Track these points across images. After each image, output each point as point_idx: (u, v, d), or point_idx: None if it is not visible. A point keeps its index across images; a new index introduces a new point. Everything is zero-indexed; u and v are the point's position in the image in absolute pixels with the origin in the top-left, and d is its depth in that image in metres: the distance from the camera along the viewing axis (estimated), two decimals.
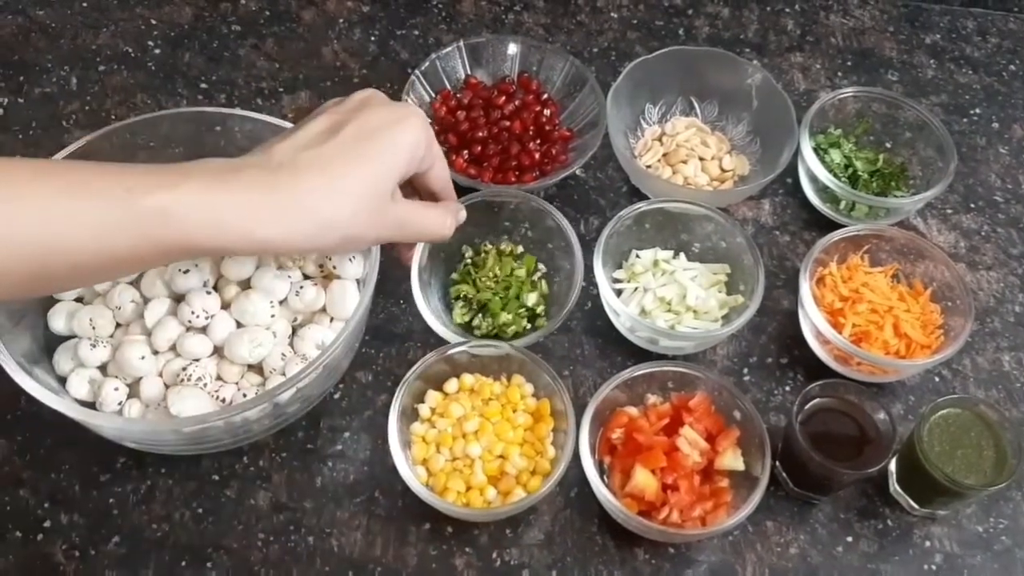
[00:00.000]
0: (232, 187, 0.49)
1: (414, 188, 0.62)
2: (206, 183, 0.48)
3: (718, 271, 0.76)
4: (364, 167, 0.52)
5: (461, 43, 0.86)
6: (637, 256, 0.77)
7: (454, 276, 0.75)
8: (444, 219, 0.61)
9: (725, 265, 0.76)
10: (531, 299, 0.74)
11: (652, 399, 0.68)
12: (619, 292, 0.75)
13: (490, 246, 0.76)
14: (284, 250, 0.58)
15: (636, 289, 0.75)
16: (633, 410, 0.67)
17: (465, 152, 0.81)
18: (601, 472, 0.65)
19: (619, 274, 0.76)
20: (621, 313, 0.70)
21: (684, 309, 0.73)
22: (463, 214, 0.65)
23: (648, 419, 0.66)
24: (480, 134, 0.81)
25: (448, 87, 0.85)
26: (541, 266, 0.76)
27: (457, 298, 0.73)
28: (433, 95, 0.85)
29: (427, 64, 0.84)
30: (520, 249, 0.77)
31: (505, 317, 0.72)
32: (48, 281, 0.49)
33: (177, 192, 0.47)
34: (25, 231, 0.44)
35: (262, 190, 0.49)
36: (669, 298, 0.73)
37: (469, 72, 0.87)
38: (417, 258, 0.70)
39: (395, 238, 0.58)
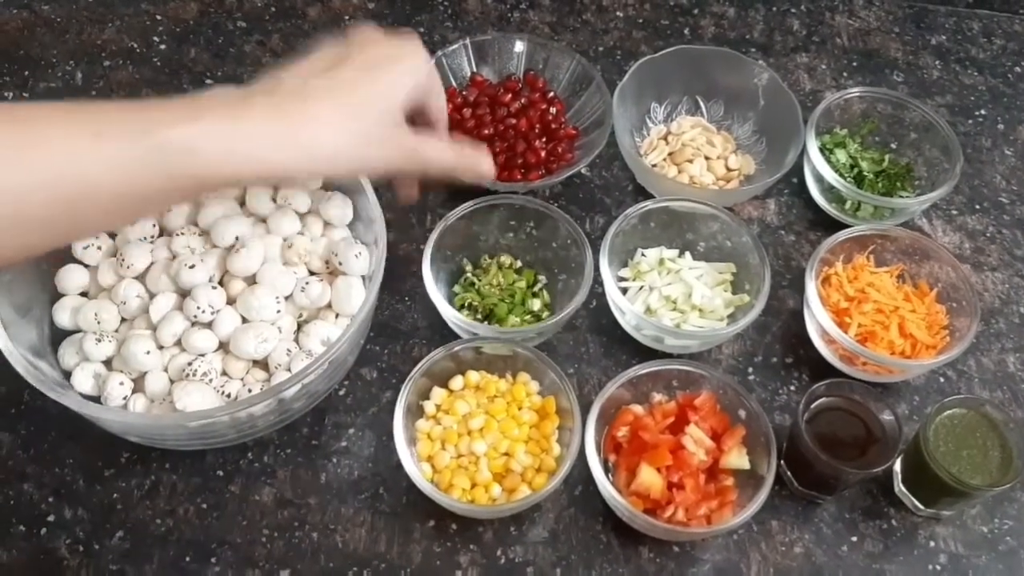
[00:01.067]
0: (246, 118, 0.49)
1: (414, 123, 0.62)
2: (222, 115, 0.48)
3: (724, 270, 0.76)
4: (370, 93, 0.53)
5: (467, 41, 0.85)
6: (643, 255, 0.77)
7: (455, 289, 0.75)
8: (449, 150, 0.60)
9: (731, 264, 0.76)
10: (535, 305, 0.74)
11: (657, 397, 0.68)
12: (624, 291, 0.75)
13: (490, 259, 0.76)
14: (300, 175, 0.60)
15: (641, 288, 0.75)
16: (638, 408, 0.67)
17: None
18: (606, 470, 0.65)
19: (624, 273, 0.76)
20: (627, 311, 0.70)
21: (689, 308, 0.73)
22: (478, 159, 0.62)
23: (653, 417, 0.66)
24: (486, 132, 0.81)
25: (454, 85, 0.85)
26: (541, 278, 0.76)
27: (462, 307, 0.73)
28: None
29: (433, 62, 0.83)
30: (519, 263, 0.77)
31: (513, 320, 0.72)
32: (76, 223, 0.48)
33: (198, 126, 0.47)
34: (54, 173, 0.44)
35: (274, 119, 0.50)
36: (674, 297, 0.73)
37: (475, 70, 0.86)
38: (430, 246, 0.70)
39: (404, 165, 0.58)
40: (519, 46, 0.86)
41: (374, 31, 0.57)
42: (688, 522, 0.62)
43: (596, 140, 0.80)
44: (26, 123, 0.45)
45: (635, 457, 0.64)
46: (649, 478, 0.62)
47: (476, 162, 0.61)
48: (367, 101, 0.53)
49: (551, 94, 0.85)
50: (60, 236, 0.51)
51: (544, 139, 0.82)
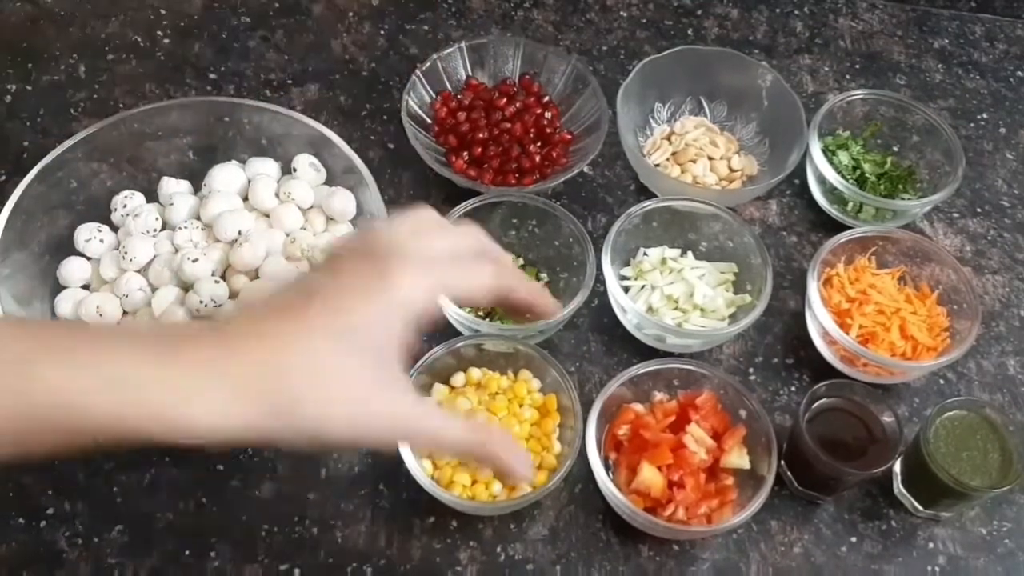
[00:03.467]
0: (156, 362, 0.40)
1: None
2: (125, 356, 0.40)
3: (725, 270, 0.76)
4: (332, 344, 0.41)
5: (463, 44, 0.85)
6: (645, 254, 0.77)
7: None
8: (466, 431, 0.47)
9: (732, 264, 0.76)
10: None
11: (659, 396, 0.68)
12: (626, 289, 0.75)
13: None
14: (207, 436, 0.40)
15: (643, 287, 0.75)
16: (639, 407, 0.67)
17: (465, 154, 0.81)
18: (607, 468, 0.65)
19: (626, 272, 0.76)
20: (628, 310, 0.70)
21: (691, 307, 0.73)
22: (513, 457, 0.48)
23: (655, 416, 0.66)
24: (480, 136, 0.81)
25: (449, 88, 0.85)
26: (543, 276, 0.76)
27: (462, 305, 0.73)
28: (434, 95, 0.84)
29: (428, 64, 0.83)
30: (521, 261, 0.77)
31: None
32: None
33: (74, 362, 0.39)
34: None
35: (196, 368, 0.40)
36: (676, 296, 0.73)
37: (470, 73, 0.86)
38: None
39: (379, 440, 0.45)
40: (515, 50, 0.86)
41: (374, 240, 0.45)
42: (688, 521, 0.62)
43: (591, 145, 0.80)
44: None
45: (636, 455, 0.64)
46: (650, 476, 0.62)
47: (509, 459, 0.47)
48: (322, 355, 0.41)
49: (546, 98, 0.85)
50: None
51: (539, 144, 0.82)
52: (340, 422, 0.41)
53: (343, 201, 0.71)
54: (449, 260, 0.46)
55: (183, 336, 0.42)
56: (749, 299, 0.73)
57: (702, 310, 0.74)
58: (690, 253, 0.77)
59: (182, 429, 0.39)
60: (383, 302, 0.42)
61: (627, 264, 0.77)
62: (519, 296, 0.49)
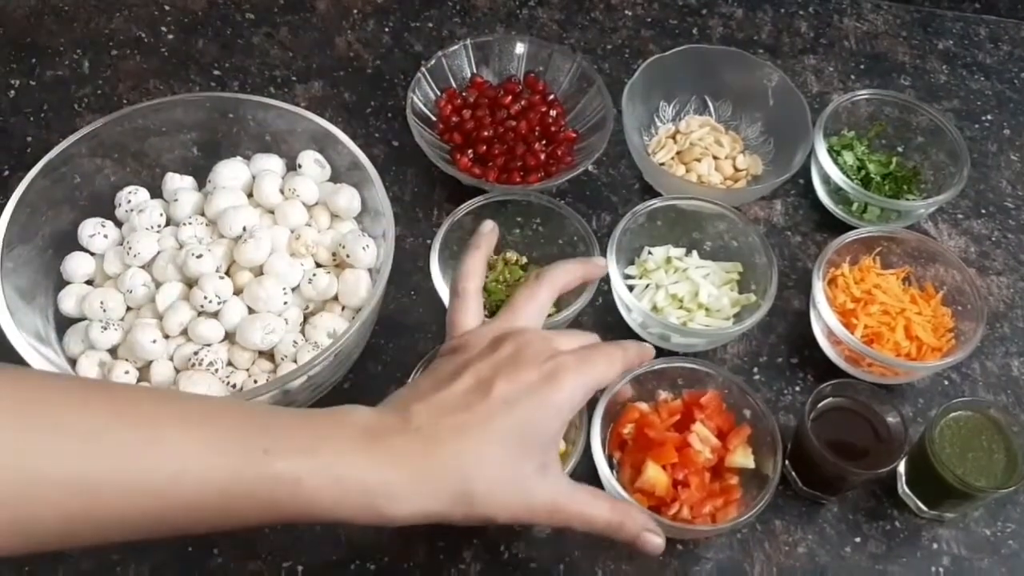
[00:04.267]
0: (368, 458, 0.45)
1: None
2: (342, 451, 0.45)
3: (730, 269, 0.76)
4: (506, 438, 0.48)
5: (468, 41, 0.85)
6: (649, 253, 0.77)
7: None
8: (610, 510, 0.52)
9: (737, 264, 0.76)
10: None
11: (663, 395, 0.68)
12: (631, 288, 0.75)
13: (496, 256, 0.76)
14: (406, 523, 0.48)
15: (648, 286, 0.75)
16: (644, 406, 0.67)
17: (470, 151, 0.80)
18: (611, 467, 0.65)
19: (631, 270, 0.76)
20: (633, 309, 0.70)
21: (696, 307, 0.73)
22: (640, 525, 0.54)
23: (659, 415, 0.66)
24: (485, 133, 0.81)
25: (454, 86, 0.85)
26: None
27: None
28: (439, 93, 0.84)
29: (433, 61, 0.83)
30: (525, 259, 0.76)
31: None
32: (163, 530, 0.44)
33: (313, 460, 0.44)
34: (160, 483, 0.42)
35: (398, 463, 0.46)
36: (681, 295, 0.73)
37: (475, 71, 0.86)
38: (438, 241, 0.70)
39: (539, 523, 0.52)
40: (520, 48, 0.86)
41: (529, 340, 0.52)
42: (692, 520, 0.62)
43: (596, 143, 0.80)
44: (146, 421, 0.43)
45: (640, 454, 0.64)
46: (654, 475, 0.62)
47: (642, 543, 0.53)
48: (503, 448, 0.48)
49: (551, 96, 0.85)
50: (135, 535, 0.45)
51: (544, 142, 0.82)
52: (507, 512, 0.48)
53: (347, 198, 0.71)
54: (593, 357, 0.53)
55: (388, 434, 0.47)
56: (754, 299, 0.73)
57: (707, 309, 0.73)
58: (695, 252, 0.77)
59: (386, 519, 0.46)
60: (552, 405, 0.49)
61: (632, 263, 0.77)
62: (637, 364, 0.60)
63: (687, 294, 0.74)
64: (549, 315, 0.70)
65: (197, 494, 0.42)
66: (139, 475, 0.41)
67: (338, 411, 0.48)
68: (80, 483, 0.40)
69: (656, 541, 0.53)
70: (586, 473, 0.66)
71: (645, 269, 0.75)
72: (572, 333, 0.57)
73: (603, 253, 0.71)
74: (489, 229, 0.63)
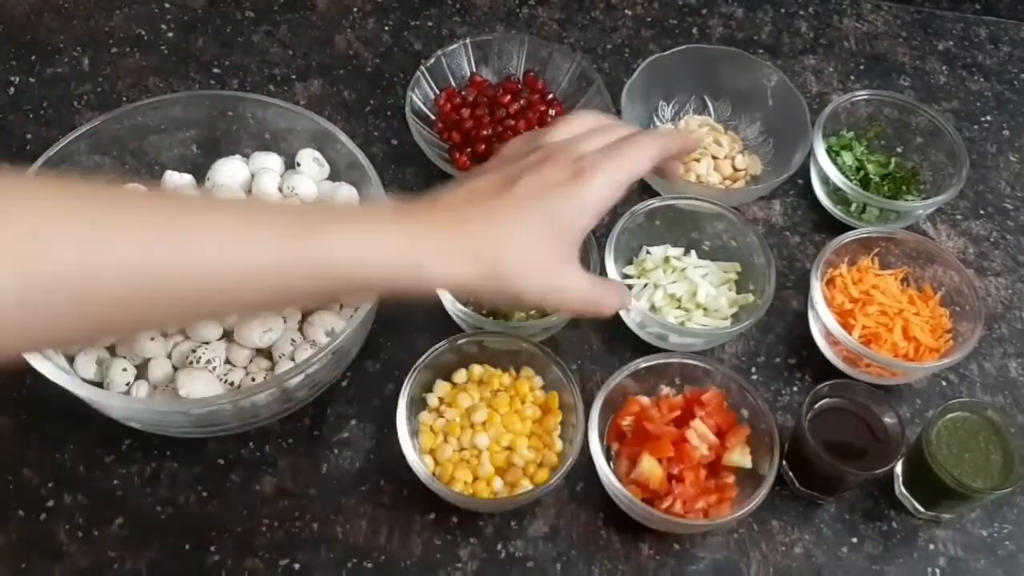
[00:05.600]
0: (404, 230, 0.48)
1: None
2: (379, 229, 0.47)
3: (728, 269, 0.76)
4: (534, 224, 0.50)
5: (467, 40, 0.85)
6: (648, 252, 0.77)
7: None
8: (620, 298, 0.57)
9: (736, 264, 0.76)
10: None
11: (665, 391, 0.68)
12: (629, 288, 0.75)
13: None
14: (443, 287, 0.55)
15: (646, 285, 0.75)
16: (645, 399, 0.67)
17: (469, 150, 0.80)
18: (608, 458, 0.65)
19: (629, 270, 0.76)
20: (631, 308, 0.70)
21: (694, 306, 0.73)
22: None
23: (659, 409, 0.66)
24: (484, 132, 0.81)
25: (453, 84, 0.85)
26: None
27: (467, 303, 0.73)
28: (438, 91, 0.84)
29: (433, 60, 0.83)
30: None
31: (519, 315, 0.71)
32: (219, 309, 0.48)
33: (347, 232, 0.46)
34: (211, 259, 0.43)
35: (432, 234, 0.48)
36: (679, 295, 0.73)
37: (474, 70, 0.86)
38: None
39: (561, 307, 0.55)
40: (519, 47, 0.86)
41: (564, 143, 0.53)
42: (685, 515, 0.62)
43: None
44: (199, 208, 0.45)
45: (638, 447, 0.64)
46: (649, 468, 0.62)
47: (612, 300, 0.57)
48: (528, 233, 0.50)
49: (550, 96, 0.85)
50: (192, 317, 0.51)
51: None
52: (535, 289, 0.51)
53: (346, 196, 0.71)
54: (622, 151, 0.53)
55: (422, 211, 0.50)
56: (752, 299, 0.73)
57: (705, 309, 0.74)
58: (693, 252, 0.77)
59: (423, 283, 0.48)
60: (580, 199, 0.51)
61: (630, 263, 0.77)
62: (674, 157, 0.58)
63: (685, 294, 0.74)
64: (544, 315, 0.71)
65: (246, 272, 0.44)
66: (195, 255, 0.43)
67: (370, 204, 0.52)
68: (144, 266, 0.42)
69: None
70: (583, 472, 0.66)
71: (643, 268, 0.76)
72: (603, 129, 0.56)
73: (601, 253, 0.71)
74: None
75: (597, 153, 0.52)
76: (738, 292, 0.75)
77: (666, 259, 0.76)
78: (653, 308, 0.73)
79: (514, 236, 0.49)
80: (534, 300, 0.52)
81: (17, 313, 0.39)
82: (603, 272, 0.71)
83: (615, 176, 0.52)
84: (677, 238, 0.77)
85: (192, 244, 0.43)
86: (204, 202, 0.47)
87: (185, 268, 0.43)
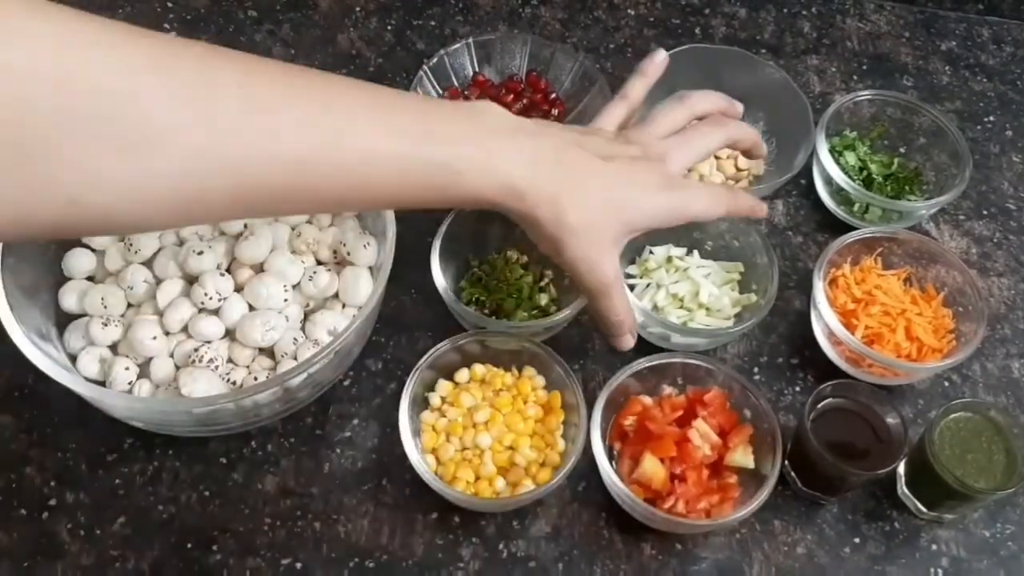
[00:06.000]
0: (512, 152, 0.51)
1: None
2: (493, 146, 0.51)
3: (731, 269, 0.76)
4: (611, 200, 0.55)
5: (470, 40, 0.85)
6: (651, 252, 0.77)
7: (462, 284, 0.75)
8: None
9: (738, 263, 0.76)
10: (543, 299, 0.74)
11: (668, 391, 0.68)
12: (632, 288, 0.75)
13: (497, 254, 0.76)
14: (524, 221, 0.55)
15: (648, 285, 0.75)
16: (648, 399, 0.67)
17: None
18: (610, 457, 0.65)
19: (632, 270, 0.76)
20: (634, 308, 0.70)
21: (696, 306, 0.73)
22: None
23: (662, 409, 0.66)
24: None
25: (456, 84, 0.85)
26: (548, 273, 0.76)
27: (469, 302, 0.73)
28: (441, 91, 0.84)
29: (435, 60, 0.83)
30: (525, 258, 0.76)
31: (521, 315, 0.71)
32: (348, 203, 0.55)
33: (470, 150, 0.50)
34: (351, 162, 0.46)
35: (532, 171, 0.52)
36: (682, 295, 0.73)
37: (477, 69, 0.86)
38: (439, 239, 0.70)
39: (584, 282, 0.57)
40: (522, 46, 0.86)
41: (679, 153, 0.59)
42: (687, 515, 0.62)
43: None
44: (345, 107, 0.46)
45: (640, 446, 0.64)
46: (651, 467, 0.62)
47: (623, 337, 0.63)
48: (613, 213, 0.55)
49: (553, 95, 0.85)
50: (326, 208, 0.57)
51: None
52: (575, 251, 0.55)
53: None
54: (712, 187, 0.62)
55: (531, 140, 0.53)
56: (755, 298, 0.73)
57: (707, 309, 0.74)
58: (696, 252, 0.77)
59: (514, 212, 0.53)
60: (658, 206, 0.57)
61: (633, 263, 0.77)
62: (744, 145, 0.64)
63: (688, 294, 0.74)
64: (548, 315, 0.70)
65: (381, 173, 0.47)
66: (340, 155, 0.46)
67: (480, 107, 0.53)
68: (295, 161, 0.44)
69: (626, 342, 0.62)
70: (585, 472, 0.66)
71: (646, 268, 0.75)
72: (670, 110, 0.62)
73: None
74: (661, 59, 0.67)
75: (687, 177, 0.60)
76: (741, 292, 0.75)
77: (669, 259, 0.76)
78: (655, 308, 0.73)
79: (590, 198, 0.53)
80: (569, 259, 0.55)
81: (178, 197, 0.41)
82: None
83: (691, 203, 0.58)
84: (680, 238, 0.77)
85: (347, 137, 0.45)
86: (344, 87, 0.48)
87: (339, 161, 0.45)
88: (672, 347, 0.73)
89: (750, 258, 0.75)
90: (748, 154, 0.66)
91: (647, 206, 0.56)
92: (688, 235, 0.77)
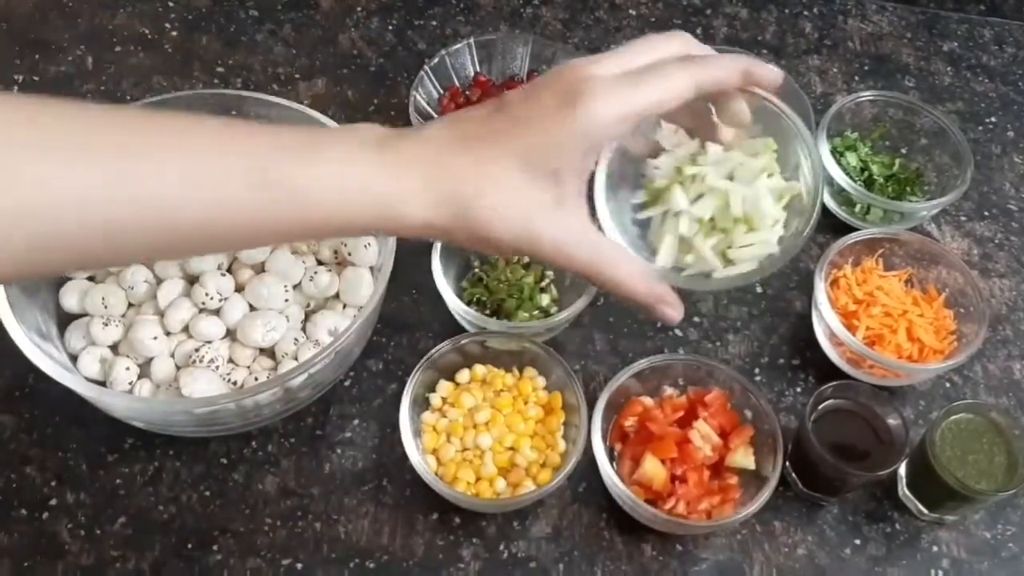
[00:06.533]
0: (374, 163, 0.42)
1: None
2: (346, 158, 0.42)
3: (763, 149, 0.52)
4: (512, 159, 0.43)
5: (471, 40, 0.85)
6: (656, 168, 0.52)
7: (463, 284, 0.75)
8: (643, 282, 0.47)
9: (768, 140, 0.52)
10: (544, 300, 0.73)
11: (669, 391, 0.68)
12: (646, 225, 0.52)
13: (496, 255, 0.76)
14: (413, 233, 0.46)
15: (666, 215, 0.51)
16: (649, 400, 0.67)
17: None
18: (611, 458, 0.65)
19: (638, 199, 0.53)
20: (651, 270, 0.50)
21: (732, 223, 0.51)
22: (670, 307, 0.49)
23: (663, 410, 0.66)
24: None
25: (457, 84, 0.85)
26: (548, 273, 0.76)
27: (470, 303, 0.73)
28: (442, 91, 0.84)
29: (436, 60, 0.83)
30: (526, 258, 0.76)
31: (522, 315, 0.71)
32: (175, 247, 0.44)
33: (311, 166, 0.41)
34: (165, 196, 0.40)
35: (403, 168, 0.43)
36: (708, 217, 0.51)
37: (478, 69, 0.86)
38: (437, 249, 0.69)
39: (550, 261, 0.46)
40: (523, 46, 0.86)
41: (569, 64, 0.44)
42: (688, 516, 0.62)
43: None
44: (162, 131, 0.41)
45: (641, 447, 0.64)
46: (652, 468, 0.62)
47: (664, 312, 0.49)
48: (503, 164, 0.43)
49: None
50: (153, 256, 0.47)
51: None
52: (509, 240, 0.44)
53: None
54: (641, 77, 0.44)
55: (398, 140, 0.44)
56: (799, 187, 0.51)
57: (747, 221, 0.50)
58: (709, 145, 0.52)
59: (392, 225, 0.43)
60: (565, 128, 0.43)
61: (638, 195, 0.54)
62: (728, 83, 0.47)
63: (717, 209, 0.50)
64: (549, 315, 0.70)
65: (213, 210, 0.41)
66: (158, 191, 0.40)
67: (349, 126, 0.46)
68: (105, 203, 0.39)
69: (671, 314, 0.49)
70: (585, 473, 0.66)
71: (655, 190, 0.52)
72: (658, 42, 0.46)
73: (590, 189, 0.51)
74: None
75: (607, 76, 0.43)
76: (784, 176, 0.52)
77: (678, 169, 0.51)
78: (684, 245, 0.52)
79: (487, 175, 0.43)
80: (509, 249, 0.44)
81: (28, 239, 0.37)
82: (592, 214, 0.49)
83: (620, 104, 0.43)
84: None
85: (154, 179, 0.39)
86: (173, 125, 0.41)
87: (147, 205, 0.39)
88: (717, 286, 0.57)
89: (777, 128, 0.52)
90: (761, 87, 0.48)
91: (561, 138, 0.43)
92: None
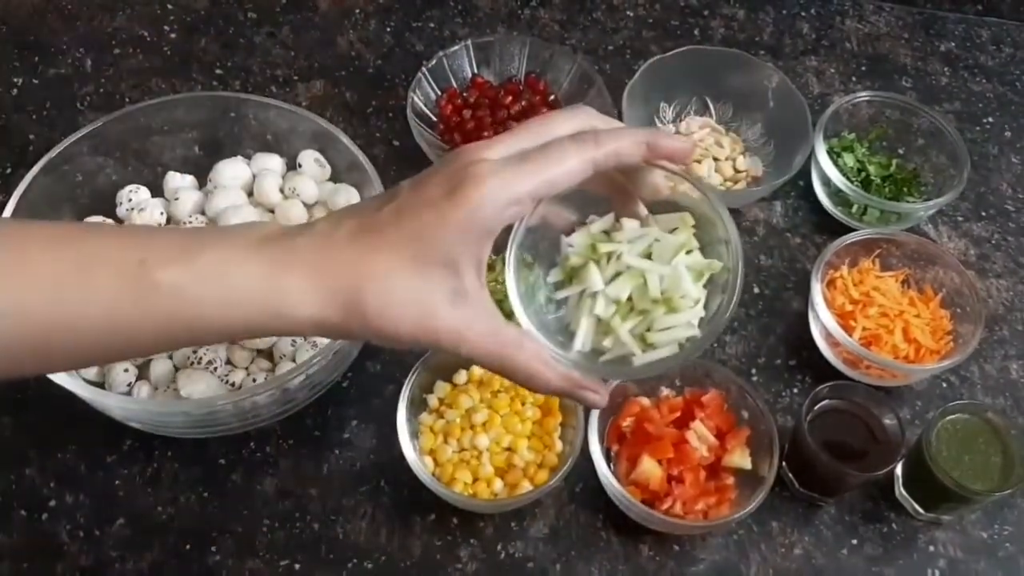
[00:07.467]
0: (257, 261, 0.41)
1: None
2: (228, 257, 0.41)
3: (680, 224, 0.48)
4: (398, 253, 0.41)
5: (469, 42, 0.85)
6: (569, 246, 0.48)
7: None
8: (552, 372, 0.45)
9: (684, 214, 0.47)
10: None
11: (665, 392, 0.68)
12: (555, 305, 0.49)
13: (495, 256, 0.76)
14: (305, 331, 0.45)
15: (582, 296, 0.48)
16: (646, 400, 0.67)
17: None
18: (608, 459, 0.65)
19: (553, 277, 0.49)
20: (561, 356, 0.46)
21: (650, 304, 0.47)
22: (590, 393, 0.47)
23: (660, 411, 0.66)
24: (485, 134, 0.81)
25: (455, 86, 0.85)
26: None
27: None
28: (439, 93, 0.84)
29: (434, 61, 0.84)
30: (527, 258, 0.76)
31: None
32: (52, 358, 0.43)
33: (192, 266, 0.40)
34: (34, 305, 0.39)
35: (290, 265, 0.41)
36: (626, 298, 0.47)
37: (476, 71, 0.86)
38: None
39: (447, 351, 0.43)
40: (521, 48, 0.86)
41: (457, 151, 0.43)
42: (684, 516, 0.62)
43: None
44: (11, 245, 0.40)
45: (638, 448, 0.64)
46: (649, 469, 0.63)
47: (586, 397, 0.47)
48: (390, 259, 0.41)
49: (552, 97, 0.85)
50: (38, 369, 0.45)
51: None
52: (407, 331, 0.42)
53: (347, 198, 0.71)
54: (530, 157, 0.42)
55: (285, 237, 0.42)
56: (719, 265, 0.46)
57: (666, 302, 0.46)
58: (624, 221, 0.48)
59: (281, 323, 0.41)
60: (450, 217, 0.41)
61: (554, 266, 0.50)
62: (630, 158, 0.43)
63: (635, 288, 0.47)
64: None
65: (79, 316, 0.40)
66: (20, 304, 0.39)
67: (238, 224, 0.45)
68: None
69: (593, 398, 0.47)
70: (583, 474, 0.67)
71: (570, 268, 0.48)
72: (535, 128, 0.44)
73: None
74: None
75: (495, 160, 0.42)
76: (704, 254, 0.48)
77: (592, 246, 0.47)
78: (602, 328, 0.48)
79: (375, 267, 0.41)
80: (408, 341, 0.42)
81: None
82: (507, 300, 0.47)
83: (507, 188, 0.41)
84: (600, 204, 0.49)
85: (16, 291, 0.39)
86: (49, 233, 0.42)
87: (10, 317, 0.39)
88: (637, 374, 0.58)
89: (696, 207, 0.48)
90: (669, 159, 0.45)
91: (448, 229, 0.41)
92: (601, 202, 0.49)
